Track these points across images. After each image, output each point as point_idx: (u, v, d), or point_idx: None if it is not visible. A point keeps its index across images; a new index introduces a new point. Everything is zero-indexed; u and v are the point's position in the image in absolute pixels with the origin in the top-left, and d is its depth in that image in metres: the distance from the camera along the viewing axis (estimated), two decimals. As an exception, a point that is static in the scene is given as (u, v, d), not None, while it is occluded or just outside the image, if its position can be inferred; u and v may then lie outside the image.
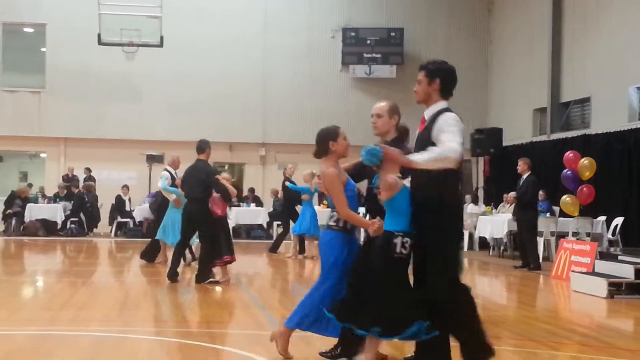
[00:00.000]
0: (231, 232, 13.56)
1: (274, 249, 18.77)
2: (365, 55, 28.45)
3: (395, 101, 6.84)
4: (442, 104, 6.09)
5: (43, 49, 28.51)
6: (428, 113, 6.14)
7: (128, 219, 24.12)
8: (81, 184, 25.33)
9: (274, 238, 20.27)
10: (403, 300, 5.98)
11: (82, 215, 23.76)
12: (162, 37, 25.27)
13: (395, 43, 28.61)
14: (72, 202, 24.04)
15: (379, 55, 28.33)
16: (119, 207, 24.29)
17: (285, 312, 9.83)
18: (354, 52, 28.65)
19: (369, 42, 28.37)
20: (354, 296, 6.31)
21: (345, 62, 28.81)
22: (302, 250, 17.77)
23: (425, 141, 5.97)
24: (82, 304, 10.24)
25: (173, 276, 12.39)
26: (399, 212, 6.03)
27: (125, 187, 24.59)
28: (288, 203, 18.62)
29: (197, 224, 12.39)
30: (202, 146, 12.43)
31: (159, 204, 16.27)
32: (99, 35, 25.19)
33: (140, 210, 23.80)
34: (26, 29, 29.20)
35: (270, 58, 28.69)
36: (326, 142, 6.67)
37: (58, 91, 27.90)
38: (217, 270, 12.41)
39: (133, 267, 16.20)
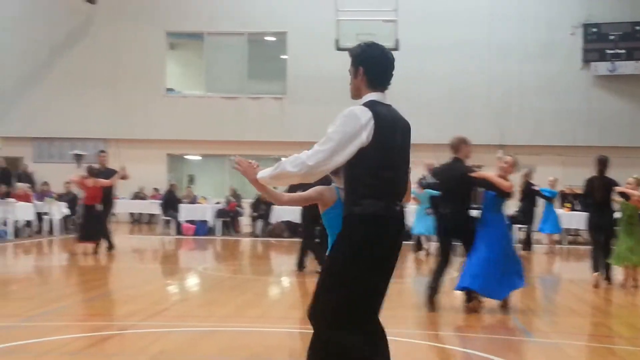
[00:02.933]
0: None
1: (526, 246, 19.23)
2: (607, 51, 27.28)
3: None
4: (367, 97, 4.95)
5: (284, 57, 29.62)
6: None
7: (366, 221, 24.47)
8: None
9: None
10: None
11: (322, 217, 24.39)
12: (397, 40, 25.50)
13: (642, 37, 27.24)
14: (313, 204, 24.73)
15: (623, 51, 27.06)
16: (357, 209, 24.75)
17: (533, 316, 9.64)
18: (596, 49, 27.52)
19: (611, 37, 27.16)
20: None
21: (586, 59, 27.75)
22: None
23: None
24: (329, 304, 10.49)
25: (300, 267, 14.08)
26: None
27: (363, 190, 24.92)
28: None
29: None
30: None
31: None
32: (336, 41, 25.80)
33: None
34: (268, 38, 30.46)
35: (506, 58, 28.14)
36: None
37: (298, 97, 28.88)
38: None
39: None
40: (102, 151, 17.20)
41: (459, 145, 10.09)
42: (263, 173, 4.83)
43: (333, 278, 4.63)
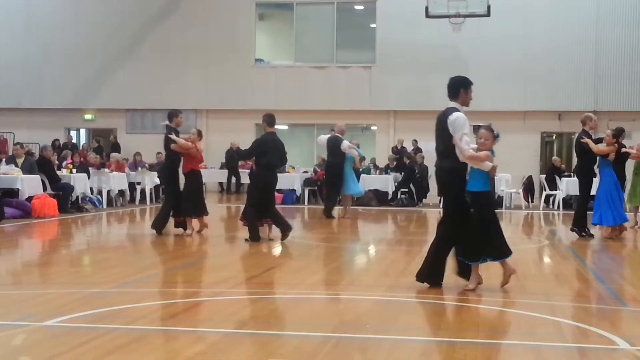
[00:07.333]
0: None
1: None
2: None
3: None
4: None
5: (373, 25, 29.43)
6: None
7: (456, 190, 24.24)
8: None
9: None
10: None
11: (411, 186, 24.26)
12: (489, 6, 25.04)
13: None
14: (402, 173, 24.62)
15: None
16: (447, 178, 24.51)
17: (627, 286, 9.38)
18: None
19: None
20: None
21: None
22: None
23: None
24: (418, 272, 10.42)
25: None
26: None
27: (452, 159, 24.58)
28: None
29: None
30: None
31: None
32: (426, 9, 25.49)
33: (467, 181, 23.82)
34: (357, 7, 30.30)
35: (604, 20, 27.38)
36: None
37: (387, 65, 28.70)
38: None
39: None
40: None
41: (585, 119, 13.91)
42: None
43: None
